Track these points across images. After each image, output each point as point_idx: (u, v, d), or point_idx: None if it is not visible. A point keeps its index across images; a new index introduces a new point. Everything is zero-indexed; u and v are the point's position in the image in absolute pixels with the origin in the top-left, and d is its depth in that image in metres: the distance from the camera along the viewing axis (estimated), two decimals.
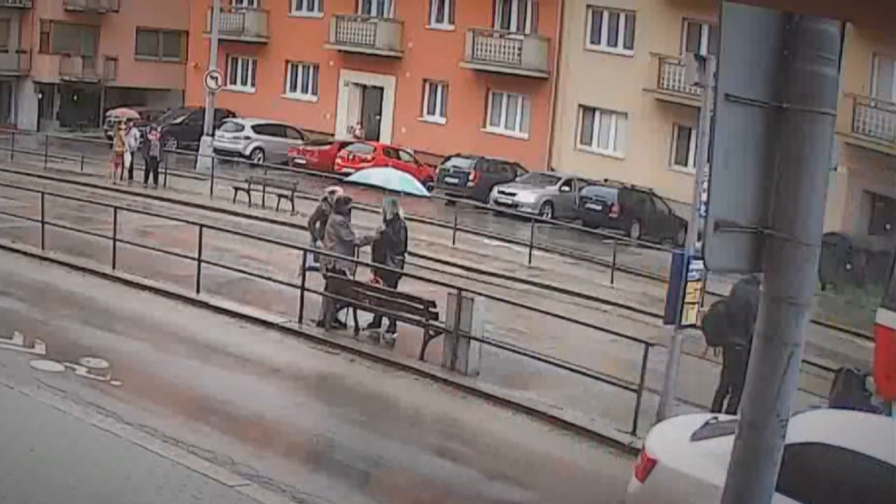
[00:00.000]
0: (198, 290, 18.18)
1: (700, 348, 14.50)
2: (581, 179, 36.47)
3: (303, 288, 17.08)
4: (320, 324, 16.81)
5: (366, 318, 16.98)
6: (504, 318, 18.33)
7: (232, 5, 48.80)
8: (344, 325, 16.97)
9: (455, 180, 37.60)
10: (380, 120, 45.26)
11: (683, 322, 13.23)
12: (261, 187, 31.18)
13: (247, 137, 42.75)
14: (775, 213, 4.94)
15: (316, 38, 45.16)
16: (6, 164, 34.27)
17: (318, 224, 17.82)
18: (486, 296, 16.32)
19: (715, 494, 5.29)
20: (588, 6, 38.98)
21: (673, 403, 13.67)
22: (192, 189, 33.02)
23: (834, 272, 27.53)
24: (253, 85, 49.43)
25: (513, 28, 41.56)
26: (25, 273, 19.07)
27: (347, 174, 33.80)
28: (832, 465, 7.99)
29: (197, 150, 39.92)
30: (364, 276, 17.33)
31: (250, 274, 19.70)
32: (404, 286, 17.10)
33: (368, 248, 17.17)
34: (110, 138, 37.85)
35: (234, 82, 48.77)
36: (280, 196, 30.64)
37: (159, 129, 36.93)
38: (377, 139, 43.70)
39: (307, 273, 17.31)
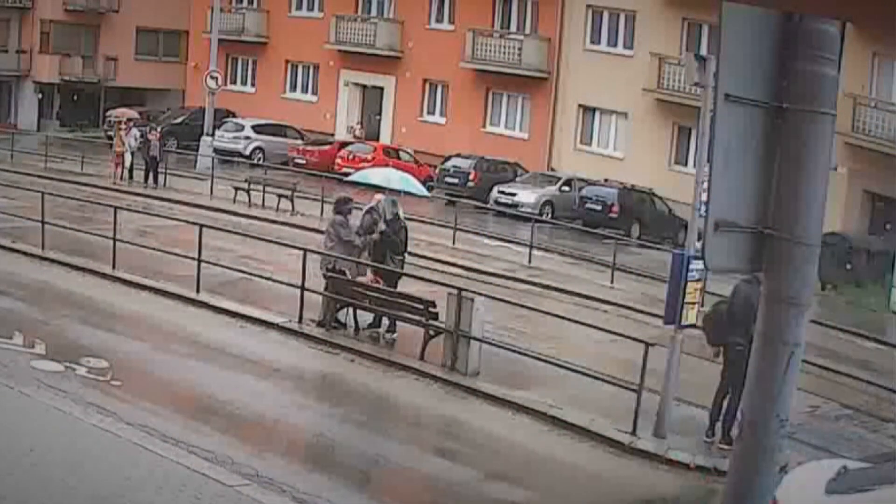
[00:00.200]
0: (198, 290, 18.18)
1: (701, 348, 14.50)
2: (581, 179, 36.46)
3: (303, 288, 17.08)
4: (320, 324, 16.81)
5: (366, 318, 16.98)
6: (504, 318, 18.32)
7: (232, 5, 48.80)
8: (344, 325, 16.97)
9: (455, 180, 37.60)
10: (380, 120, 45.27)
11: (683, 322, 13.22)
12: (261, 187, 31.18)
13: (247, 137, 42.75)
14: (775, 213, 4.94)
15: (316, 38, 45.17)
16: (6, 164, 34.29)
17: (364, 237, 17.23)
18: (486, 296, 16.31)
19: None
20: (588, 6, 38.98)
21: (673, 403, 13.67)
22: (192, 189, 33.02)
23: (834, 272, 27.54)
24: (253, 85, 49.43)
25: (513, 28, 41.57)
26: (25, 273, 19.07)
27: (347, 174, 33.85)
28: None
29: (197, 150, 39.93)
30: (364, 275, 17.32)
31: (250, 274, 19.70)
32: (404, 286, 17.09)
33: (367, 249, 17.16)
34: (110, 138, 37.86)
35: (234, 82, 48.77)
36: (280, 196, 30.65)
37: (159, 129, 36.93)
38: (377, 139, 43.71)
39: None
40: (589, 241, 30.82)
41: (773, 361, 4.98)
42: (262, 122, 43.68)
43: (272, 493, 10.12)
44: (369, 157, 38.96)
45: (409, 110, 43.89)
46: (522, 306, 18.19)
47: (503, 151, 39.35)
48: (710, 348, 13.69)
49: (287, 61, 48.10)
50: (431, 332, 15.74)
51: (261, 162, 40.99)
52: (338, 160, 39.41)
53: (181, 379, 14.12)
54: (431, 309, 15.74)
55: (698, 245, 12.26)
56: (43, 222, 20.92)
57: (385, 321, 16.85)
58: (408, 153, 40.69)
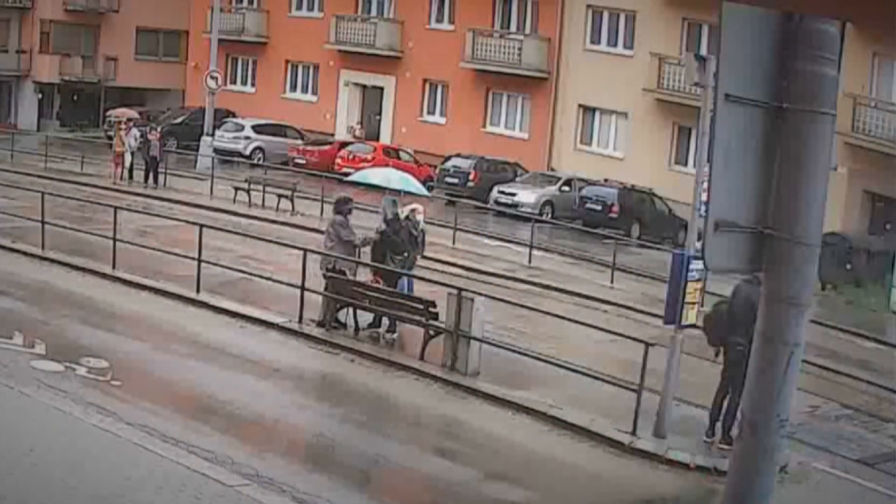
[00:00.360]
0: (198, 290, 18.18)
1: (700, 348, 14.50)
2: (581, 179, 36.46)
3: (303, 288, 17.07)
4: (320, 324, 16.81)
5: (366, 318, 16.98)
6: (504, 318, 18.33)
7: (232, 5, 48.80)
8: (344, 325, 16.97)
9: (455, 180, 37.60)
10: (380, 120, 45.27)
11: (683, 322, 13.22)
12: (261, 187, 31.19)
13: (247, 137, 42.75)
14: (775, 213, 4.94)
15: (316, 38, 45.17)
16: (6, 164, 34.29)
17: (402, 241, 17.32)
18: (486, 296, 16.31)
19: None
20: (588, 6, 38.98)
21: (673, 403, 13.67)
22: (192, 189, 33.02)
23: (834, 272, 27.54)
24: (253, 85, 49.43)
25: (513, 28, 41.56)
26: (25, 273, 19.07)
27: (347, 174, 33.87)
28: None
29: (197, 150, 39.93)
30: (364, 275, 17.34)
31: (250, 274, 19.69)
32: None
33: (368, 249, 17.17)
34: (110, 138, 37.86)
35: (234, 82, 48.78)
36: (280, 196, 30.65)
37: (159, 129, 36.92)
38: (377, 139, 43.71)
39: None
40: (589, 241, 30.83)
41: (773, 361, 4.97)
42: (262, 122, 43.68)
43: (272, 493, 10.12)
44: (369, 157, 38.97)
45: (409, 110, 43.89)
46: (522, 306, 18.19)
47: (503, 151, 39.35)
48: (711, 348, 13.69)
49: (287, 61, 48.11)
50: (431, 332, 15.74)
51: (261, 162, 40.98)
52: (338, 160, 39.41)
53: (181, 379, 14.12)
54: (431, 309, 15.74)
55: (698, 245, 12.25)
56: (43, 222, 20.92)
57: (385, 321, 16.84)
58: (408, 153, 40.69)
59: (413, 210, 17.60)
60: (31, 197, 23.13)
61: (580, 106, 39.58)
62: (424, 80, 43.59)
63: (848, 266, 28.48)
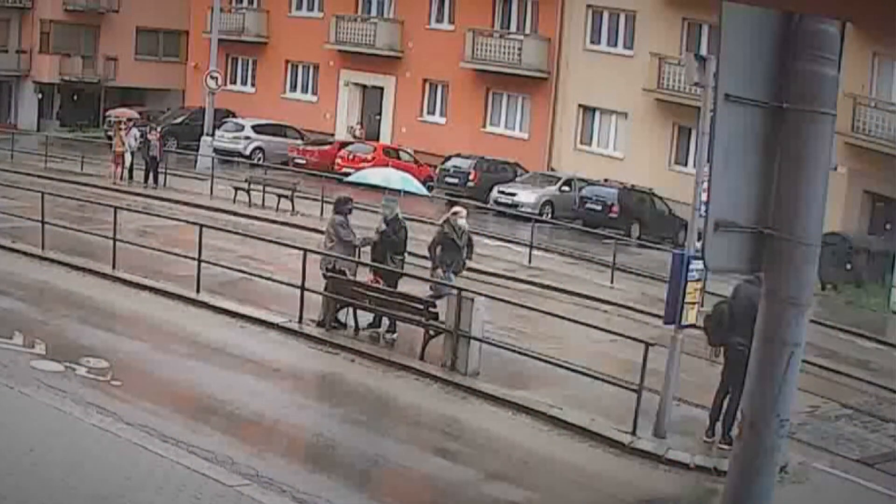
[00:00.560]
0: (198, 290, 18.18)
1: (701, 348, 14.50)
2: (581, 179, 36.47)
3: (303, 288, 17.07)
4: (320, 324, 16.81)
5: (366, 318, 16.98)
6: (504, 318, 18.32)
7: (232, 5, 48.80)
8: (344, 325, 16.97)
9: (455, 180, 37.60)
10: (380, 120, 45.27)
11: (683, 322, 13.22)
12: (261, 187, 31.18)
13: (247, 137, 42.75)
14: (775, 213, 4.94)
15: (316, 38, 45.18)
16: (6, 164, 34.27)
17: (438, 250, 17.16)
18: (486, 296, 16.31)
19: None
20: (588, 6, 38.98)
21: (673, 403, 13.67)
22: (192, 189, 33.01)
23: (834, 272, 27.55)
24: (253, 85, 49.44)
25: (513, 28, 41.56)
26: (25, 273, 19.07)
27: (347, 174, 33.87)
28: None
29: (197, 150, 39.93)
30: (364, 275, 17.33)
31: (250, 274, 19.69)
32: (404, 286, 17.09)
33: (368, 248, 17.16)
34: (110, 138, 37.85)
35: (234, 82, 48.77)
36: (280, 196, 30.65)
37: (159, 129, 36.92)
38: (377, 139, 43.72)
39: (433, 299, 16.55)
40: (589, 241, 30.82)
41: (773, 361, 4.98)
42: (262, 122, 43.68)
43: (272, 493, 10.12)
44: (369, 157, 38.97)
45: (409, 110, 43.89)
46: (522, 306, 18.18)
47: (503, 151, 39.35)
48: (710, 348, 13.68)
49: (287, 61, 48.11)
50: (431, 332, 15.74)
51: (261, 162, 40.98)
52: (338, 160, 39.42)
53: (181, 379, 14.11)
54: (431, 309, 15.74)
55: (698, 245, 12.26)
56: (43, 222, 20.92)
57: (385, 321, 16.84)
58: (408, 153, 40.69)
59: (455, 213, 17.25)
60: (31, 197, 23.12)
61: (580, 106, 39.59)
62: (424, 80, 43.59)
63: (848, 266, 28.49)
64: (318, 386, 15.28)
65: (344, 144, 41.43)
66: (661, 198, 34.95)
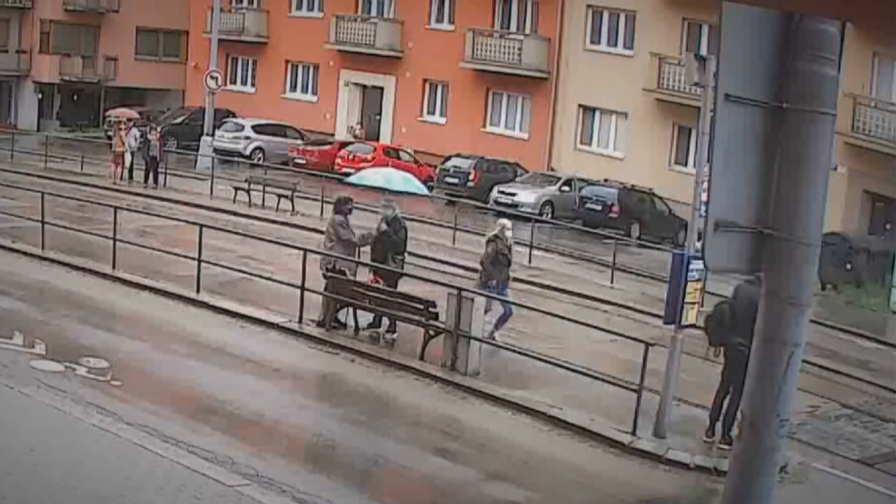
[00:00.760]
0: (198, 290, 18.18)
1: (700, 348, 14.50)
2: (581, 179, 36.47)
3: (303, 288, 17.08)
4: (320, 324, 16.81)
5: (366, 318, 16.98)
6: None
7: (232, 5, 48.80)
8: (344, 325, 16.97)
9: (455, 180, 37.60)
10: (380, 120, 45.27)
11: (683, 322, 13.22)
12: (261, 187, 31.19)
13: (247, 137, 42.75)
14: (775, 213, 4.94)
15: (316, 38, 45.17)
16: (6, 164, 34.27)
17: (489, 265, 16.92)
18: (486, 296, 16.31)
19: None
20: (588, 6, 38.98)
21: (673, 403, 13.67)
22: (192, 189, 33.02)
23: (834, 272, 27.55)
24: (253, 85, 49.44)
25: (513, 28, 41.57)
26: (25, 273, 19.07)
27: (347, 174, 33.85)
28: None
29: (197, 150, 39.93)
30: (364, 275, 17.33)
31: (250, 274, 19.70)
32: (404, 286, 17.09)
33: (368, 248, 17.15)
34: (110, 138, 37.84)
35: (234, 82, 48.77)
36: (280, 196, 30.65)
37: (159, 129, 36.92)
38: (377, 139, 43.72)
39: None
40: (589, 241, 30.82)
41: (773, 361, 4.98)
42: (262, 122, 43.68)
43: (272, 493, 10.12)
44: (369, 157, 38.98)
45: (409, 110, 43.89)
46: (522, 306, 18.17)
47: (503, 151, 39.35)
48: (711, 348, 13.68)
49: (287, 61, 48.11)
50: (431, 332, 15.74)
51: (261, 162, 40.99)
52: (338, 160, 39.42)
53: (181, 379, 14.11)
54: (431, 309, 15.74)
55: (698, 245, 12.25)
56: (43, 222, 20.91)
57: (385, 321, 16.84)
58: (408, 153, 40.70)
59: (502, 228, 17.11)
60: (31, 197, 23.11)
61: (580, 106, 39.59)
62: (424, 80, 43.59)
63: (848, 266, 28.48)
64: (318, 386, 15.28)
65: (344, 144, 41.44)
66: (661, 198, 34.95)
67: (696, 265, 12.88)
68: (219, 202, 30.73)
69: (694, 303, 13.26)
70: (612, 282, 24.93)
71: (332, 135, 44.57)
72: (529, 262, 26.48)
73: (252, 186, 31.13)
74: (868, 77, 31.51)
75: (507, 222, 17.82)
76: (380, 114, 45.32)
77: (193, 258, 18.64)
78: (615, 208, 34.21)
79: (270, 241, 22.18)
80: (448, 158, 38.61)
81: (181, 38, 51.51)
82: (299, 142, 42.95)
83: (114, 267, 19.47)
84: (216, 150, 39.00)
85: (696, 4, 33.10)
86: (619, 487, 12.18)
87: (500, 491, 11.45)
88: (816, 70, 4.85)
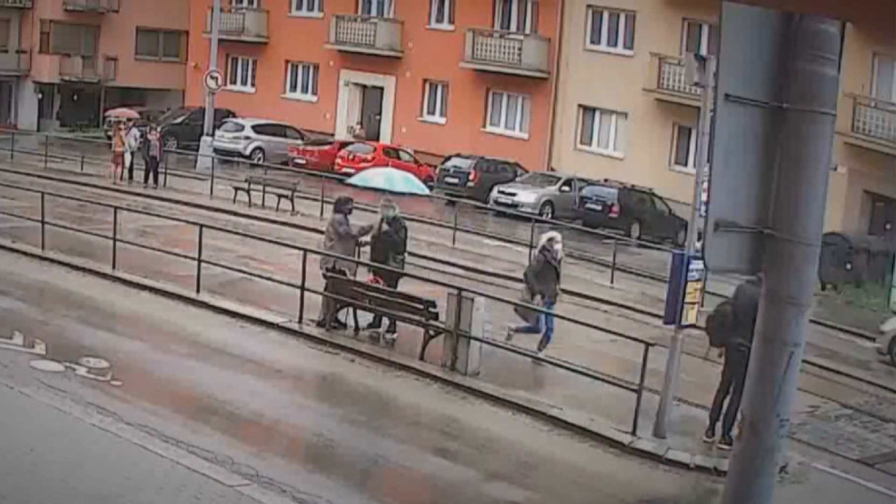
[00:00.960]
0: (198, 290, 18.18)
1: (701, 348, 14.50)
2: (581, 179, 36.47)
3: (303, 288, 17.08)
4: (320, 324, 16.81)
5: (366, 318, 16.98)
6: (504, 318, 18.30)
7: (232, 5, 48.80)
8: (344, 325, 16.97)
9: (455, 180, 37.60)
10: (380, 120, 45.27)
11: (683, 322, 13.22)
12: (261, 187, 31.18)
13: (247, 137, 42.76)
14: (775, 213, 4.94)
15: (316, 38, 45.18)
16: (6, 164, 34.27)
17: (536, 276, 16.49)
18: (486, 296, 16.31)
19: None
20: (588, 6, 38.98)
21: (673, 403, 13.67)
22: (192, 189, 33.02)
23: (834, 272, 27.55)
24: (253, 85, 49.44)
25: (513, 28, 41.57)
26: (25, 273, 19.06)
27: (347, 174, 33.88)
28: None
29: (197, 150, 39.93)
30: (364, 275, 17.33)
31: (250, 274, 19.70)
32: (404, 286, 17.09)
33: (368, 248, 17.15)
34: (110, 138, 37.85)
35: (234, 82, 48.77)
36: (280, 196, 30.65)
37: (159, 129, 36.93)
38: (377, 139, 43.72)
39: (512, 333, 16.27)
40: (589, 241, 30.80)
41: (773, 361, 4.98)
42: (262, 122, 43.68)
43: (272, 493, 10.12)
44: (369, 157, 38.98)
45: (409, 110, 43.89)
46: (522, 306, 18.14)
47: (503, 151, 39.35)
48: (711, 348, 13.67)
49: (287, 61, 48.11)
50: (431, 332, 15.74)
51: (261, 162, 40.99)
52: (338, 160, 39.43)
53: (181, 379, 14.11)
54: (431, 309, 15.74)
55: (698, 245, 12.25)
56: (43, 222, 20.91)
57: (385, 321, 16.84)
58: (408, 153, 40.70)
59: (550, 240, 16.72)
60: (31, 197, 23.11)
61: (580, 106, 39.59)
62: (424, 80, 43.59)
63: (848, 266, 28.48)
64: (318, 386, 15.28)
65: (344, 144, 41.44)
66: (661, 198, 34.95)
67: (696, 265, 12.89)
68: (219, 202, 30.73)
69: (694, 303, 13.26)
70: (612, 282, 24.93)
71: (332, 135, 44.58)
72: (529, 262, 26.45)
73: (252, 186, 31.13)
74: (868, 77, 31.51)
75: (556, 234, 17.11)
76: (380, 114, 45.33)
77: (193, 258, 18.64)
78: (615, 208, 34.21)
79: (270, 241, 22.18)
80: (448, 158, 38.61)
81: (181, 38, 51.51)
82: (299, 142, 42.95)
83: (114, 267, 19.47)
84: (216, 150, 39.00)
85: (696, 4, 33.09)
86: (619, 487, 12.18)
87: (500, 491, 11.45)
88: (816, 70, 4.85)
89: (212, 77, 40.24)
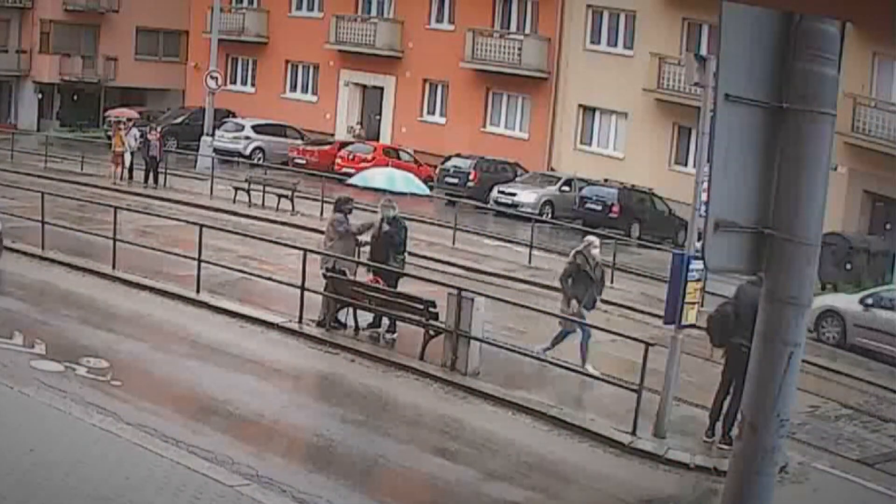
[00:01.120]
0: (198, 290, 18.18)
1: (700, 348, 14.50)
2: (581, 179, 36.47)
3: (303, 288, 17.08)
4: (320, 324, 16.81)
5: (366, 318, 16.98)
6: (504, 318, 18.32)
7: (232, 5, 48.80)
8: (344, 325, 16.96)
9: (455, 180, 37.60)
10: (380, 120, 45.27)
11: (683, 322, 13.22)
12: (261, 187, 31.19)
13: (247, 137, 42.76)
14: (775, 213, 4.94)
15: (316, 38, 45.18)
16: (6, 164, 34.27)
17: (570, 281, 16.07)
18: (486, 296, 16.31)
19: None
20: (588, 6, 38.98)
21: (673, 403, 13.67)
22: (192, 189, 33.02)
23: (834, 272, 27.54)
24: (253, 85, 49.44)
25: (513, 28, 41.57)
26: (25, 273, 19.06)
27: (347, 174, 33.88)
28: None
29: (197, 150, 39.93)
30: (364, 275, 17.32)
31: (250, 274, 19.70)
32: (404, 286, 17.09)
33: (368, 249, 17.14)
34: (110, 138, 37.84)
35: (234, 82, 48.77)
36: (280, 196, 30.65)
37: (159, 129, 36.92)
38: (377, 139, 43.72)
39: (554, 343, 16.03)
40: None
41: (773, 361, 4.98)
42: (262, 122, 43.69)
43: (272, 493, 10.12)
44: (369, 157, 38.98)
45: (409, 110, 43.89)
46: (522, 306, 18.18)
47: (503, 151, 39.35)
48: (712, 349, 13.68)
49: (287, 61, 48.11)
50: (431, 332, 15.74)
51: (261, 162, 40.99)
52: (338, 160, 39.42)
53: (181, 379, 14.11)
54: (431, 309, 15.74)
55: (698, 245, 12.25)
56: (43, 222, 20.91)
57: (385, 321, 16.84)
58: (408, 153, 40.70)
59: (588, 244, 16.25)
60: (31, 197, 23.10)
61: (580, 106, 39.59)
62: (424, 80, 43.59)
63: (848, 266, 28.46)
64: (318, 386, 15.28)
65: (344, 144, 41.44)
66: (661, 198, 34.96)
67: (696, 265, 12.89)
68: (219, 202, 30.73)
69: (694, 303, 13.27)
70: (611, 282, 24.87)
71: (332, 135, 44.58)
72: (529, 262, 26.49)
73: (252, 186, 31.13)
74: (868, 77, 31.50)
75: (594, 239, 16.58)
76: (380, 114, 45.33)
77: (193, 258, 18.64)
78: (615, 208, 34.21)
79: (270, 241, 22.18)
80: (448, 158, 38.61)
81: (181, 38, 51.51)
82: (299, 142, 42.95)
83: (114, 267, 19.47)
84: (216, 150, 39.00)
85: (696, 4, 33.10)
86: (619, 487, 12.18)
87: (499, 491, 11.45)
88: (816, 70, 4.85)
89: (212, 77, 40.23)
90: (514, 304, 18.24)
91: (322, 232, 18.80)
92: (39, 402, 11.69)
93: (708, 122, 11.91)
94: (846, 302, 22.81)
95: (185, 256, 19.41)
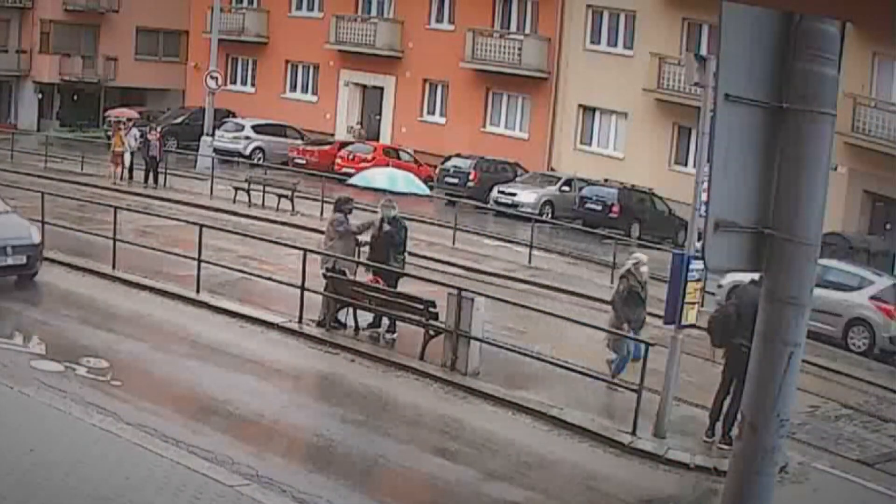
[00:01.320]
0: (198, 290, 18.18)
1: (701, 348, 14.50)
2: (581, 179, 36.48)
3: (303, 288, 17.08)
4: (320, 324, 16.81)
5: (366, 318, 16.98)
6: (504, 318, 18.32)
7: (232, 5, 48.80)
8: (344, 325, 16.96)
9: (455, 180, 37.60)
10: (380, 120, 45.27)
11: (683, 322, 13.22)
12: (261, 187, 31.19)
13: (247, 137, 42.76)
14: (775, 213, 4.94)
15: (316, 38, 45.18)
16: (6, 164, 34.25)
17: (624, 304, 15.47)
18: (486, 296, 16.31)
19: None
20: (588, 6, 38.98)
21: (673, 403, 13.68)
22: (192, 189, 33.02)
23: None
24: (253, 85, 49.44)
25: (513, 28, 41.57)
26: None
27: (347, 174, 33.88)
28: None
29: (197, 150, 39.94)
30: (364, 275, 17.32)
31: (250, 274, 19.70)
32: (404, 286, 17.09)
33: (368, 248, 17.14)
34: (110, 138, 37.85)
35: (234, 82, 48.78)
36: (280, 196, 30.66)
37: (159, 129, 36.92)
38: (377, 139, 43.72)
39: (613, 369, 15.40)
40: (589, 241, 30.82)
41: (773, 361, 4.98)
42: (262, 122, 43.69)
43: (272, 493, 10.12)
44: (369, 157, 38.98)
45: (409, 110, 43.90)
46: (522, 306, 18.18)
47: (503, 151, 39.35)
48: (713, 349, 13.67)
49: (287, 61, 48.11)
50: (431, 332, 15.74)
51: (261, 162, 40.99)
52: (338, 160, 39.43)
53: (181, 379, 14.11)
54: (431, 309, 15.74)
55: (698, 245, 12.25)
56: (43, 222, 20.86)
57: (385, 321, 16.84)
58: (408, 153, 40.70)
59: (637, 263, 15.78)
60: (31, 197, 23.08)
61: (580, 106, 39.59)
62: (424, 80, 43.59)
63: None
64: (318, 386, 15.28)
65: (344, 144, 41.45)
66: (661, 198, 34.96)
67: (696, 265, 12.89)
68: (219, 202, 30.73)
69: (694, 303, 13.27)
70: (612, 282, 24.86)
71: (332, 135, 44.58)
72: (529, 262, 26.50)
73: (252, 186, 31.14)
74: (868, 77, 31.50)
75: (642, 257, 16.13)
76: (380, 114, 45.33)
77: (193, 258, 18.64)
78: (615, 208, 34.21)
79: (270, 241, 22.18)
80: (448, 158, 38.61)
81: (181, 38, 51.51)
82: (299, 142, 42.96)
83: (114, 267, 19.47)
84: (216, 150, 39.00)
85: (696, 4, 33.10)
86: (619, 487, 12.18)
87: (499, 491, 11.45)
88: (816, 70, 4.85)
89: (212, 77, 40.23)
90: (514, 304, 18.24)
91: (322, 232, 18.80)
92: (39, 402, 11.69)
93: (708, 122, 11.91)
94: None
95: (185, 256, 19.41)
